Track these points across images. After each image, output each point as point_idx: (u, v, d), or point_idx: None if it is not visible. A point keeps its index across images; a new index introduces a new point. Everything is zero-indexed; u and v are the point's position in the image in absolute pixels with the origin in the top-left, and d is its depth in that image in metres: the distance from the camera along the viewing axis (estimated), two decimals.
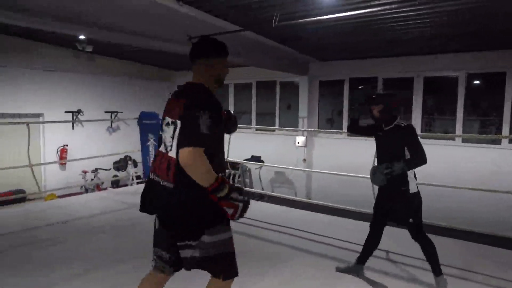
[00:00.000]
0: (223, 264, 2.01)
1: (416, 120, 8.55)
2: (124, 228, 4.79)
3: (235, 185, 2.04)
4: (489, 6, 5.03)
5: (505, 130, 7.52)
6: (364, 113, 3.44)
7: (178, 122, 1.94)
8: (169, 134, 2.01)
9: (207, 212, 1.95)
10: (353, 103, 9.44)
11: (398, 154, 3.08)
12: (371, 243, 3.38)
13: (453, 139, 8.01)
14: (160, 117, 6.61)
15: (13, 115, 8.94)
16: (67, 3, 5.04)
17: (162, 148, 2.08)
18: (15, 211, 5.91)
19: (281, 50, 8.21)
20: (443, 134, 8.45)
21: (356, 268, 3.47)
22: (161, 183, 2.00)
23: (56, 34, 7.65)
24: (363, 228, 4.52)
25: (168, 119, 2.05)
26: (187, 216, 1.96)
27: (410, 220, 3.14)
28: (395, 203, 3.18)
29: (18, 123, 7.75)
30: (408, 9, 5.09)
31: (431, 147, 7.95)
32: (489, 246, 4.15)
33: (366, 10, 5.02)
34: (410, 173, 3.13)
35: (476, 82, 8.13)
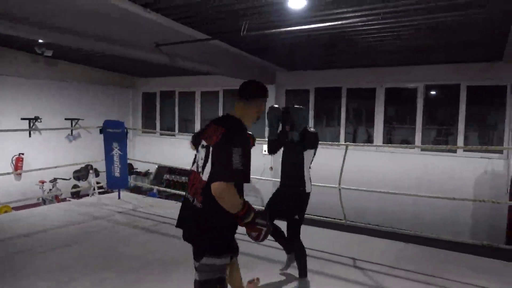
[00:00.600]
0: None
1: (378, 128, 8.85)
2: (88, 241, 4.59)
3: (258, 210, 2.18)
4: (447, 21, 5.32)
5: (460, 140, 7.95)
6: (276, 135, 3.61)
7: (211, 148, 2.14)
8: (201, 156, 2.22)
9: (219, 237, 2.15)
10: (319, 113, 9.65)
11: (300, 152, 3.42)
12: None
13: (412, 148, 8.37)
14: (126, 125, 6.44)
15: None
16: (25, 3, 4.79)
17: (194, 167, 2.28)
18: None
19: (249, 59, 8.26)
20: (405, 145, 8.79)
21: (289, 258, 3.70)
22: (193, 202, 2.19)
23: (10, 36, 7.25)
24: (328, 236, 4.62)
25: (204, 142, 2.25)
26: (203, 236, 2.15)
27: (296, 216, 3.40)
28: (291, 200, 3.45)
29: None
30: (373, 22, 5.27)
31: (393, 155, 8.33)
32: (451, 251, 4.33)
33: (331, 23, 5.15)
34: (307, 175, 3.47)
35: (433, 93, 8.56)
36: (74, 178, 9.86)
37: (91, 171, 9.65)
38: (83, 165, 9.55)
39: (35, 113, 9.71)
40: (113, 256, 4.12)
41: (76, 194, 9.79)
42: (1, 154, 9.22)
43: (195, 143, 2.40)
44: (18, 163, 9.35)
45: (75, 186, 9.99)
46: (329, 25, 5.21)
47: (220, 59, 7.76)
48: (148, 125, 12.44)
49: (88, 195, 9.18)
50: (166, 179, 11.02)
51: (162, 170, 10.74)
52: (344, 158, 4.90)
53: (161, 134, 11.92)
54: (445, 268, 3.90)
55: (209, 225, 2.11)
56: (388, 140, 8.92)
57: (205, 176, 2.12)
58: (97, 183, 8.84)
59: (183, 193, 8.09)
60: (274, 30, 5.55)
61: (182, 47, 6.48)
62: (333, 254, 4.17)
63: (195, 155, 2.31)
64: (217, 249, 2.12)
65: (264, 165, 9.85)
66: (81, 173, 9.73)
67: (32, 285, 3.38)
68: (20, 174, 9.34)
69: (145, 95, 12.60)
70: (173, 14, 5.52)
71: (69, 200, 8.22)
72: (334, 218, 5.19)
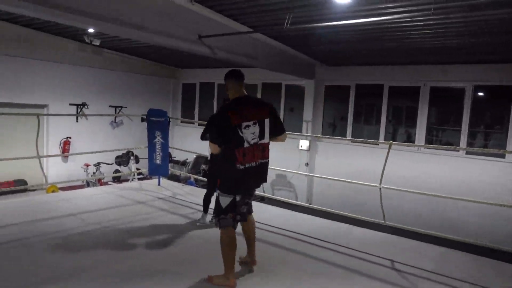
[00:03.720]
0: None
1: (421, 129, 8.55)
2: (133, 223, 4.77)
3: None
4: (500, 20, 5.04)
5: (510, 144, 7.52)
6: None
7: (267, 120, 3.15)
8: (252, 131, 3.05)
9: None
10: (357, 109, 9.47)
11: None
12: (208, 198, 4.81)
13: (457, 150, 8.00)
14: (169, 115, 6.56)
15: (17, 105, 8.91)
16: None
17: (246, 145, 3.03)
18: (18, 201, 5.88)
19: (290, 53, 8.22)
20: (452, 146, 8.20)
21: (203, 217, 4.79)
22: (261, 162, 3.17)
23: (62, 25, 7.58)
24: (366, 235, 4.53)
25: (251, 122, 3.05)
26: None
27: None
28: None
29: (28, 114, 7.76)
30: (421, 18, 5.09)
31: (434, 157, 8.01)
32: (493, 259, 4.15)
33: (378, 18, 5.01)
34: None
35: (482, 94, 8.13)
36: (116, 163, 10.28)
37: (131, 157, 10.04)
38: (124, 151, 9.94)
39: (83, 99, 10.19)
40: (155, 240, 4.27)
41: (117, 179, 10.22)
42: (51, 138, 9.77)
43: (231, 132, 2.99)
44: (65, 146, 9.88)
45: (116, 171, 10.42)
46: (375, 20, 5.07)
47: (260, 53, 7.76)
48: (187, 115, 12.72)
49: (128, 180, 9.56)
50: (203, 169, 11.22)
51: (200, 160, 10.95)
52: (386, 158, 4.74)
53: (199, 125, 12.13)
54: (486, 275, 3.74)
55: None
56: (430, 141, 8.60)
57: (266, 140, 3.15)
58: (137, 169, 9.18)
59: None
60: (317, 24, 5.48)
61: (224, 40, 6.54)
62: (370, 254, 4.11)
63: (240, 137, 2.99)
64: None
65: (299, 161, 9.82)
66: (123, 159, 10.13)
67: (83, 259, 3.58)
68: (67, 156, 9.87)
69: (185, 86, 12.86)
70: (217, 6, 5.59)
71: (111, 184, 8.58)
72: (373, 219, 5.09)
